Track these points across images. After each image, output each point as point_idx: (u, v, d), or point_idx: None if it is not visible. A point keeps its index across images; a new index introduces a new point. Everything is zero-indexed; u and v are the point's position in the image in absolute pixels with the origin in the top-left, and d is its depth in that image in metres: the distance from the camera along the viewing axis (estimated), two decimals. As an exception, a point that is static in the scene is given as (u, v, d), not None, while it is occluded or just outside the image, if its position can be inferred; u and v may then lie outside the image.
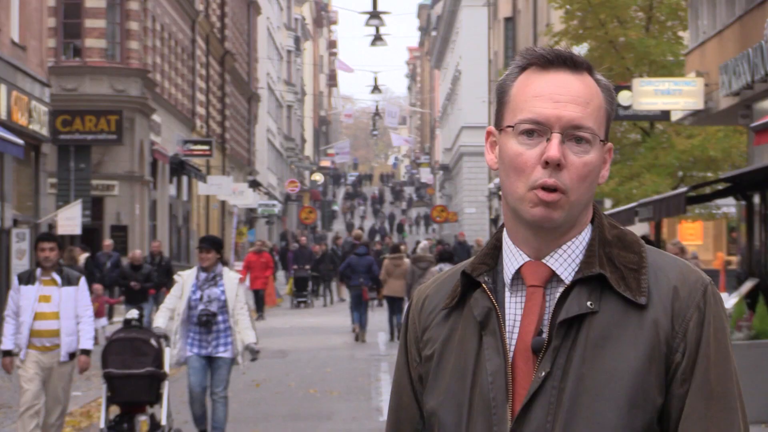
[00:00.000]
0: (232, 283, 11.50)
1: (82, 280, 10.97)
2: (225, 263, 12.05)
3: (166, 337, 11.48)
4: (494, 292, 2.29)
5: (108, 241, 27.42)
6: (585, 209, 2.29)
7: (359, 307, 25.48)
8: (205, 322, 11.39)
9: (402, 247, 26.99)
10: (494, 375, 2.23)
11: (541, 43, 35.39)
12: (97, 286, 22.70)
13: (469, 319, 2.30)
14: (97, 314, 21.31)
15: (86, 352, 11.02)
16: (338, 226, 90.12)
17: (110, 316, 25.13)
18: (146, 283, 23.55)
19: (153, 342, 11.20)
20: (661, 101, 23.51)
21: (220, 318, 11.45)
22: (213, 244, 11.54)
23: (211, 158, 44.73)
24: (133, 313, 11.52)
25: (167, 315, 11.57)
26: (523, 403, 2.20)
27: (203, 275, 11.48)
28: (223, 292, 11.41)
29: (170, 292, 11.67)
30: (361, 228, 79.40)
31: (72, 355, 10.94)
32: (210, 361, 11.66)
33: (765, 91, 19.60)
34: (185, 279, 11.55)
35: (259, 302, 31.01)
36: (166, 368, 11.36)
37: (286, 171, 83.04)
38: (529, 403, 2.20)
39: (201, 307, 11.37)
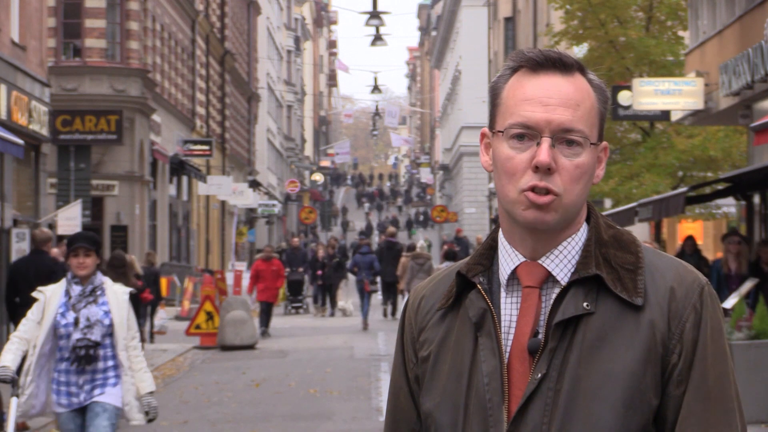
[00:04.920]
0: (120, 301, 8.16)
1: None
2: (105, 272, 8.52)
3: (14, 382, 8.03)
4: (489, 293, 2.29)
5: (55, 250, 24.53)
6: (580, 210, 2.28)
7: (363, 298, 29.44)
8: (85, 356, 8.02)
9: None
10: (490, 376, 2.23)
11: (541, 44, 35.41)
12: None
13: (464, 320, 2.30)
14: None
15: None
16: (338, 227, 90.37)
17: None
18: None
19: None
20: (661, 101, 23.51)
21: (101, 352, 8.08)
22: (93, 244, 8.16)
23: (211, 158, 44.72)
24: None
25: (20, 348, 8.08)
26: (519, 405, 2.20)
27: (77, 289, 8.12)
28: (107, 313, 8.09)
29: (27, 315, 8.22)
30: (363, 231, 79.52)
31: None
32: (83, 412, 8.13)
33: (765, 91, 19.59)
34: (48, 296, 8.14)
35: (267, 317, 27.14)
36: (10, 428, 8.05)
37: (286, 171, 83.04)
38: (525, 405, 2.19)
39: (77, 335, 8.00)
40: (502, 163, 2.25)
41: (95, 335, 7.98)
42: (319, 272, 34.04)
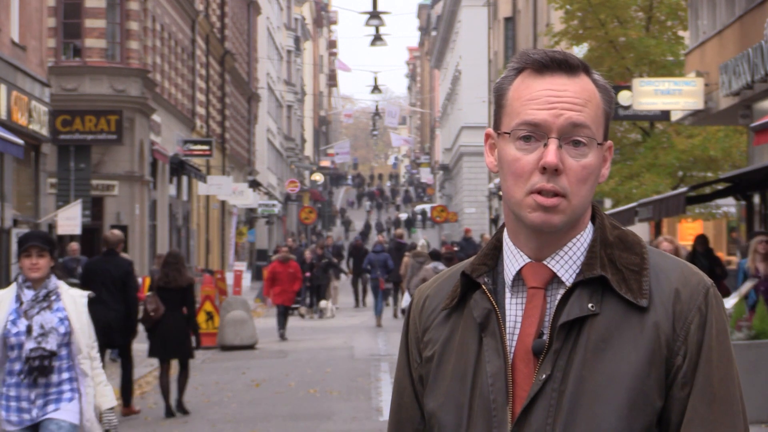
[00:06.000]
0: (78, 306, 7.32)
1: None
2: (60, 275, 7.64)
3: None
4: (494, 294, 2.28)
5: (75, 245, 24.68)
6: (586, 210, 2.28)
7: (377, 296, 30.00)
8: (39, 367, 7.15)
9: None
10: (494, 377, 2.23)
11: (541, 44, 35.41)
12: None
13: (469, 321, 2.29)
14: None
15: None
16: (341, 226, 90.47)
17: None
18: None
19: None
20: (661, 101, 23.52)
21: (56, 363, 7.20)
22: (47, 244, 7.30)
23: (211, 158, 44.70)
24: None
25: None
26: (523, 406, 2.19)
27: (29, 294, 7.25)
28: (62, 320, 7.22)
29: None
30: (362, 231, 79.56)
31: None
32: (35, 430, 7.25)
33: (765, 91, 19.59)
34: None
35: (284, 319, 26.12)
36: None
37: (286, 171, 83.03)
38: (530, 406, 2.19)
39: (30, 344, 7.14)
40: (508, 165, 2.24)
41: (50, 344, 7.13)
42: (307, 273, 33.32)
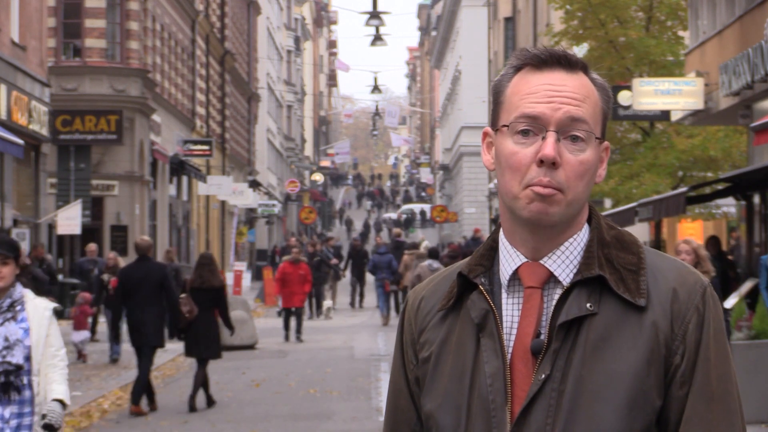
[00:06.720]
0: (41, 317, 6.67)
1: None
2: (26, 284, 7.27)
3: None
4: (491, 294, 2.28)
5: (93, 246, 24.97)
6: (582, 209, 2.27)
7: (383, 297, 30.16)
8: (5, 384, 6.56)
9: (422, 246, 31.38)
10: (493, 377, 2.22)
11: (541, 44, 35.34)
12: (86, 294, 21.02)
13: (466, 321, 2.28)
14: (79, 326, 20.22)
15: None
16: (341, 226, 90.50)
17: (94, 330, 23.10)
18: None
19: None
20: (661, 101, 23.51)
21: (26, 379, 6.60)
22: (11, 250, 6.68)
23: (211, 158, 44.71)
24: None
25: None
26: (522, 406, 2.19)
27: None
28: (27, 331, 6.62)
29: None
30: (362, 231, 79.57)
31: None
32: None
33: (765, 91, 19.59)
34: None
35: (298, 323, 25.63)
36: None
37: (286, 171, 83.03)
38: (529, 406, 2.18)
39: None
40: (506, 158, 2.24)
41: (16, 357, 6.53)
42: None
